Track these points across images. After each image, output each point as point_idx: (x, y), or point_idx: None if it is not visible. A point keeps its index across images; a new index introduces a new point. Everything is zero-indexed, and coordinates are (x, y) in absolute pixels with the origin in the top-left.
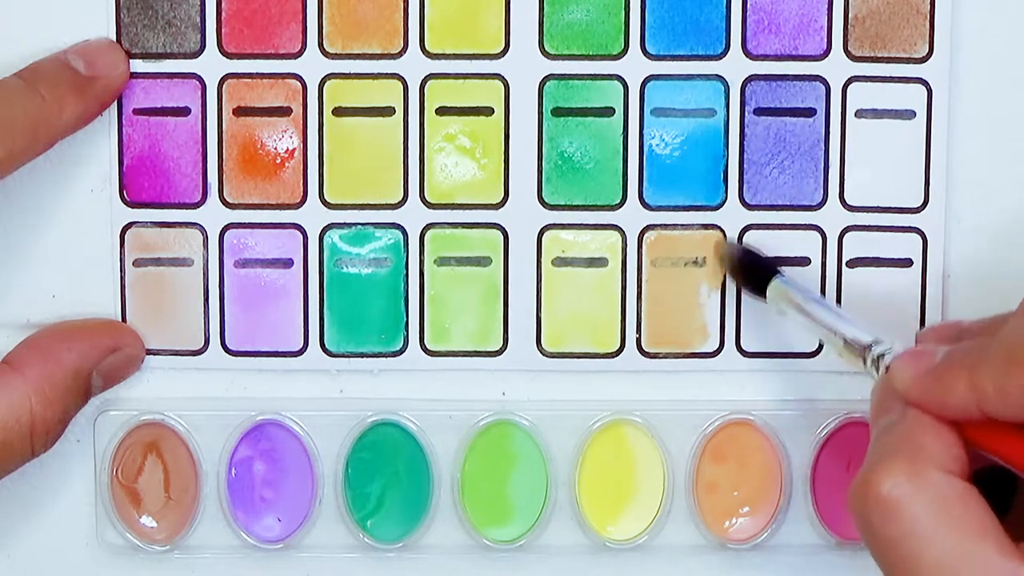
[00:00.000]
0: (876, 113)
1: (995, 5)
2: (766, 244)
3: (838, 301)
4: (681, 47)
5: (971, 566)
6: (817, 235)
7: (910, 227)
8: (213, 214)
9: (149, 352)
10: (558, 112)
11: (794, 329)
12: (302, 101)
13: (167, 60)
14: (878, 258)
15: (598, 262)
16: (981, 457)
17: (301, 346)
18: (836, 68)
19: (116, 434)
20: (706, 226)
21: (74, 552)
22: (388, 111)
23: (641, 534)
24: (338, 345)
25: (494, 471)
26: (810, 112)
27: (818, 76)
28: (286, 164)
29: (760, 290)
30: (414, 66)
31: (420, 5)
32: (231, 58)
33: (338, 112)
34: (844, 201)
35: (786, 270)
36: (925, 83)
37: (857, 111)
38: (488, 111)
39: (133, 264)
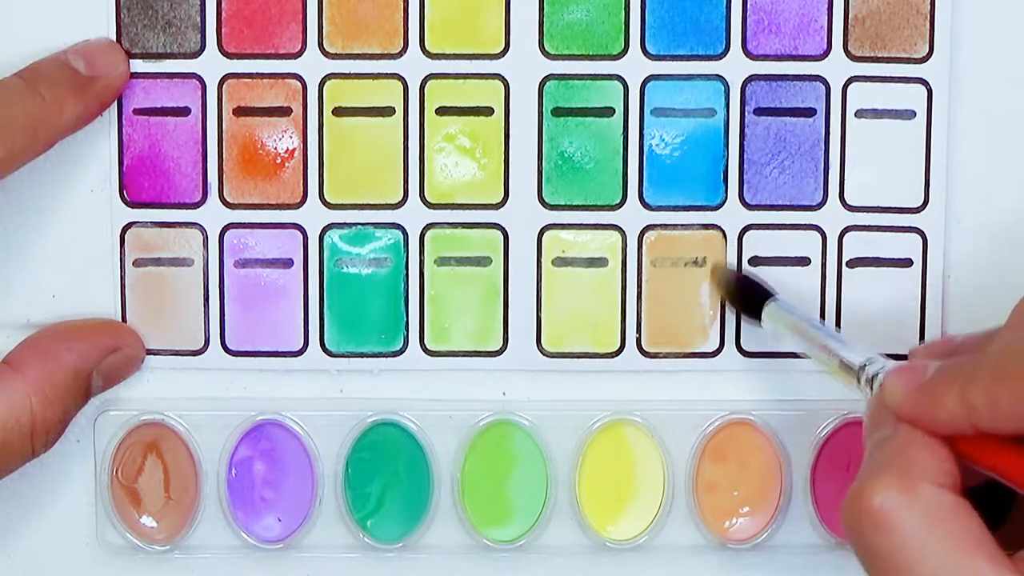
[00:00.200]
0: (876, 113)
1: (995, 5)
2: (766, 244)
3: (838, 301)
4: (681, 47)
5: None
6: (817, 235)
7: (910, 227)
8: (213, 214)
9: (149, 352)
10: (558, 112)
11: None
12: (302, 101)
13: (167, 60)
14: (878, 258)
15: (598, 262)
16: (974, 473)
17: (301, 346)
18: (836, 68)
19: (116, 434)
20: (706, 226)
21: (74, 552)
22: (388, 111)
23: (641, 534)
24: (338, 345)
25: (494, 471)
26: (810, 112)
27: (818, 76)
28: (286, 164)
29: (756, 314)
30: (414, 66)
31: (420, 5)
32: (231, 58)
33: (338, 112)
34: (844, 201)
35: (780, 295)
36: (925, 83)
37: (857, 111)
38: (488, 111)
39: (133, 264)
